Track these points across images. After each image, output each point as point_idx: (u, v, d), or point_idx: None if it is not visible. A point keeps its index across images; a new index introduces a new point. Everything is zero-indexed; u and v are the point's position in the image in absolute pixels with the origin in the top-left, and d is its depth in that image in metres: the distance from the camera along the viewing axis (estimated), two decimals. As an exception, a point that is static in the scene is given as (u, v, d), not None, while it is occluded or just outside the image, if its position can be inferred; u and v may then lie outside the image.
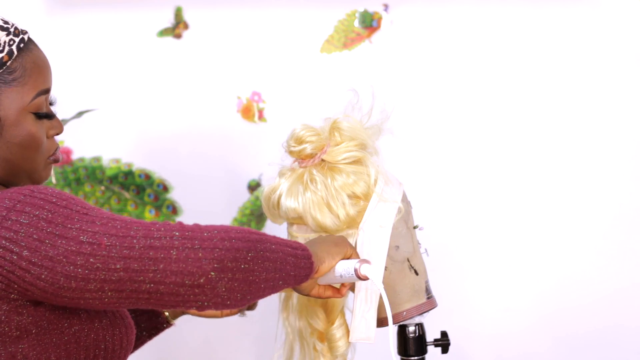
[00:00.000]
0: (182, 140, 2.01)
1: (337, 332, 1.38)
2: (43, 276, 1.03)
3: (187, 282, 1.05)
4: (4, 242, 1.04)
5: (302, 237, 1.36)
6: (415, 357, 1.44)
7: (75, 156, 2.01)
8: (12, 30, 1.20)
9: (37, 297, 1.07)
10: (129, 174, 2.02)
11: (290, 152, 1.39)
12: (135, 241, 1.04)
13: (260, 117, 2.01)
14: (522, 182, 2.02)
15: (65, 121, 1.84)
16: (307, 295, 1.26)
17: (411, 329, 1.43)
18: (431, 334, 1.46)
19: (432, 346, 1.45)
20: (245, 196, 2.02)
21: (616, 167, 2.01)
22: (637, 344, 2.05)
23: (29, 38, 1.22)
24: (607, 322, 2.04)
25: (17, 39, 1.19)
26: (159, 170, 2.02)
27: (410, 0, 1.98)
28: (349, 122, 1.38)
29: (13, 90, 1.19)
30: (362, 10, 1.98)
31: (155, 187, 2.02)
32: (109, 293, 1.05)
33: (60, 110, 1.86)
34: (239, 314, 1.45)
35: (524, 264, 2.03)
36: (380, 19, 1.98)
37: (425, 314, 1.43)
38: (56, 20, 1.96)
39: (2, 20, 1.20)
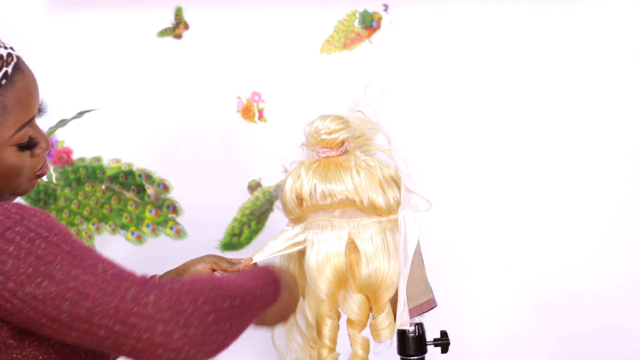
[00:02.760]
0: (182, 140, 2.01)
1: (385, 320, 1.39)
2: (25, 311, 1.02)
3: (166, 355, 1.05)
4: None
5: (345, 221, 1.37)
6: (415, 357, 1.45)
7: (75, 156, 2.01)
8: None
9: (16, 324, 1.06)
10: (129, 174, 2.02)
11: (320, 141, 1.39)
12: (122, 303, 1.03)
13: (260, 117, 2.01)
14: (522, 181, 2.02)
15: (66, 121, 1.84)
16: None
17: (411, 328, 1.43)
18: (431, 334, 1.46)
19: (432, 346, 1.46)
20: (245, 196, 2.02)
21: (616, 168, 2.01)
22: (637, 343, 2.05)
23: (14, 65, 1.13)
24: (607, 322, 2.04)
25: (1, 72, 1.12)
26: (159, 170, 2.02)
27: (410, 0, 1.98)
28: (360, 119, 1.41)
29: None
30: (362, 10, 1.98)
31: (155, 187, 2.02)
32: (88, 343, 1.05)
33: (60, 110, 1.87)
34: None
35: (523, 264, 2.03)
36: (380, 19, 1.98)
37: (425, 314, 1.43)
38: (56, 20, 1.96)
39: None
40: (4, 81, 1.11)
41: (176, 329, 1.05)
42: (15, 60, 1.13)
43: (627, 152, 2.01)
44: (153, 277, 1.11)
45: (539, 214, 2.02)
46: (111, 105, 1.99)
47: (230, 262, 1.42)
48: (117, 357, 1.12)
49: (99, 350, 1.20)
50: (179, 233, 2.03)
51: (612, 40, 1.99)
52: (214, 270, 1.42)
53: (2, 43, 1.13)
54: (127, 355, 1.07)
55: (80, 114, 1.92)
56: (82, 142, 2.00)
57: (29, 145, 1.16)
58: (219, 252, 2.03)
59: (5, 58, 1.12)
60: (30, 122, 1.15)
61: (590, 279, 2.03)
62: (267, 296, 1.20)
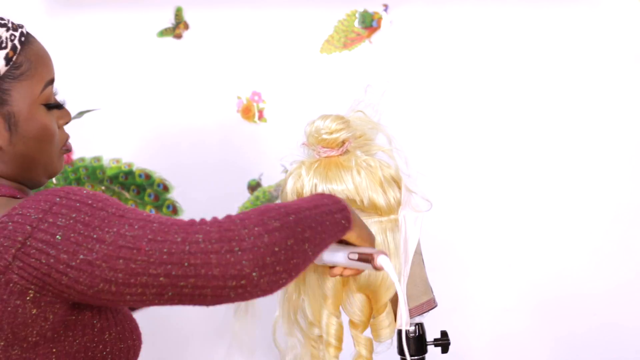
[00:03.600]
0: (182, 140, 2.01)
1: (385, 320, 1.39)
2: (81, 279, 1.03)
3: (229, 284, 1.05)
4: (40, 244, 1.04)
5: None
6: (416, 357, 1.45)
7: (75, 156, 2.01)
8: (9, 25, 1.20)
9: (73, 298, 1.07)
10: (129, 174, 2.02)
11: (320, 141, 1.39)
12: (174, 246, 1.04)
13: (260, 117, 2.01)
14: (522, 181, 2.02)
15: (66, 121, 1.84)
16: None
17: (411, 328, 1.43)
18: (431, 334, 1.46)
19: (432, 346, 1.46)
20: (245, 196, 2.02)
21: (615, 168, 2.01)
22: (637, 342, 2.05)
23: (27, 32, 1.22)
24: (607, 321, 2.04)
25: (17, 34, 1.20)
26: (159, 170, 2.02)
27: (410, 0, 1.98)
28: (361, 119, 1.41)
29: (23, 84, 1.19)
30: (362, 10, 1.98)
31: (155, 187, 2.02)
32: (150, 296, 1.05)
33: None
34: None
35: (523, 264, 2.03)
36: (380, 19, 1.99)
37: (425, 314, 1.43)
38: (56, 20, 1.96)
39: None
40: (23, 38, 1.20)
41: (231, 257, 1.04)
42: (25, 27, 1.23)
43: (627, 151, 2.02)
44: (201, 219, 1.11)
45: (538, 213, 2.02)
46: (111, 105, 1.99)
47: None
48: (181, 304, 1.09)
49: (132, 322, 1.24)
50: (179, 233, 2.02)
51: (612, 40, 1.99)
52: None
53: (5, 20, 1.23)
54: (194, 301, 1.06)
55: (80, 114, 1.92)
56: (82, 142, 2.00)
57: (56, 105, 1.23)
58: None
59: (16, 24, 1.21)
60: (53, 82, 1.22)
61: (590, 278, 2.03)
62: (334, 210, 1.17)
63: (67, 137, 1.27)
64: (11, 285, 1.05)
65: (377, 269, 1.21)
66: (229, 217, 1.10)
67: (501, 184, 2.02)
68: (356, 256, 1.22)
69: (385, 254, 1.21)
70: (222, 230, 1.07)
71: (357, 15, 1.98)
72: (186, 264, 1.04)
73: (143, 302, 1.06)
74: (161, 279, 1.03)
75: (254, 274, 1.05)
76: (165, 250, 1.04)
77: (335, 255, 1.25)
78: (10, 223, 1.06)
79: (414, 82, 1.99)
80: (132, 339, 1.23)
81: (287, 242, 1.08)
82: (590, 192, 2.02)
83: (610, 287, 2.03)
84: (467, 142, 2.01)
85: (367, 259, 1.21)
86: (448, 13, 1.98)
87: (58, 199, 1.07)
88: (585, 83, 2.00)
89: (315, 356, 1.40)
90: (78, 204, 1.06)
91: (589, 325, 2.04)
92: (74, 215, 1.05)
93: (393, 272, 1.22)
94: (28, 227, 1.04)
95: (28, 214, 1.06)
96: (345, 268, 1.26)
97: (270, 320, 1.47)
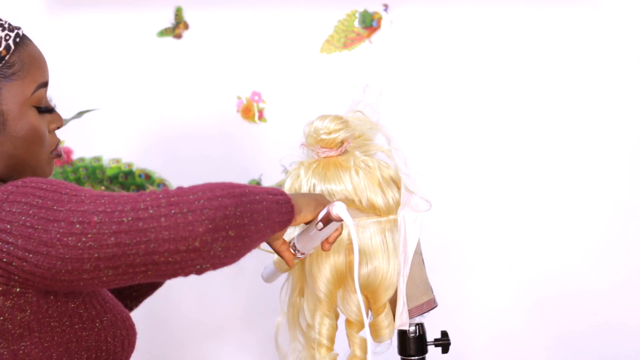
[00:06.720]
0: (182, 140, 2.01)
1: (385, 320, 1.39)
2: (40, 262, 1.03)
3: (181, 247, 1.04)
4: None
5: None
6: (416, 357, 1.44)
7: (75, 156, 2.01)
8: (6, 26, 1.21)
9: (38, 284, 1.07)
10: (129, 174, 2.02)
11: (319, 141, 1.39)
12: (123, 215, 1.04)
13: (260, 117, 2.01)
14: (521, 180, 2.02)
15: (66, 121, 1.82)
16: (272, 246, 1.27)
17: (411, 328, 1.43)
18: (431, 334, 1.46)
19: (433, 346, 1.46)
20: (245, 196, 2.02)
21: (615, 167, 2.01)
22: (636, 342, 2.05)
23: (23, 34, 1.23)
24: (606, 320, 2.04)
25: (12, 34, 1.21)
26: (159, 170, 2.02)
27: (410, 0, 1.98)
28: (360, 119, 1.41)
29: (13, 84, 1.19)
30: (362, 10, 1.98)
31: (156, 187, 2.02)
32: (106, 271, 1.04)
33: (60, 110, 1.87)
34: None
35: (523, 263, 2.03)
36: (380, 19, 1.99)
37: (425, 314, 1.43)
38: (56, 20, 1.96)
39: None
40: (17, 39, 1.20)
41: (182, 218, 1.04)
42: (22, 30, 1.23)
43: (626, 150, 2.02)
44: (151, 189, 1.12)
45: (537, 213, 2.02)
46: (111, 105, 1.99)
47: None
48: (140, 280, 1.09)
49: (123, 311, 1.24)
50: (179, 233, 2.02)
51: (612, 40, 1.99)
52: None
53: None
54: (148, 272, 1.05)
55: (80, 113, 1.92)
56: (82, 142, 2.00)
57: (47, 109, 1.24)
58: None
59: (14, 25, 1.22)
60: (45, 85, 1.23)
61: (589, 277, 2.03)
62: (275, 197, 1.17)
63: (57, 141, 1.27)
64: None
65: (337, 219, 1.21)
66: (179, 187, 1.11)
67: (501, 183, 2.02)
68: (320, 225, 1.22)
69: (340, 202, 1.22)
70: (171, 196, 1.07)
71: (357, 15, 1.98)
72: (135, 230, 1.03)
73: (101, 281, 1.05)
74: (114, 249, 1.03)
75: (206, 235, 1.05)
76: (115, 219, 1.03)
77: (310, 239, 1.26)
78: None
79: (413, 82, 1.99)
80: (125, 327, 1.23)
81: (236, 209, 1.08)
82: (589, 191, 2.02)
83: (609, 285, 2.03)
84: (467, 142, 2.01)
85: (328, 218, 1.21)
86: (448, 13, 1.98)
87: (14, 188, 1.07)
88: (585, 83, 2.00)
89: (315, 358, 1.40)
90: (32, 189, 1.07)
91: (588, 324, 2.04)
92: (28, 200, 1.05)
93: (349, 218, 1.21)
94: None
95: None
96: (327, 240, 1.27)
97: (272, 324, 1.47)
